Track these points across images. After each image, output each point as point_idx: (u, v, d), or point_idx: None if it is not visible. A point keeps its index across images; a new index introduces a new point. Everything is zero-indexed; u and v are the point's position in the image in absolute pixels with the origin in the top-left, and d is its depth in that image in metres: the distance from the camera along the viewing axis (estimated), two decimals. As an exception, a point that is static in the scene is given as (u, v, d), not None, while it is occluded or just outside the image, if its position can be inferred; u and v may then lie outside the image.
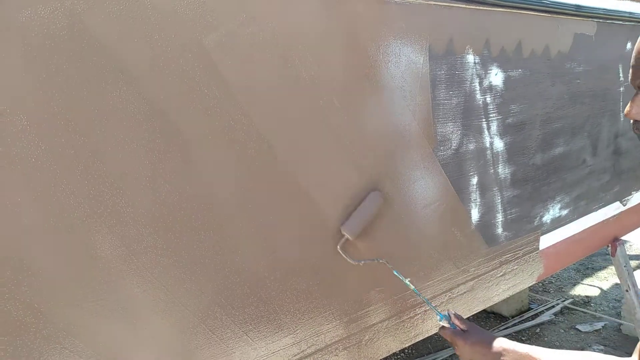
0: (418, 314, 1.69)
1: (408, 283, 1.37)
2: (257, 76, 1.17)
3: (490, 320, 4.14)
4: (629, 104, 1.01)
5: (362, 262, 1.38)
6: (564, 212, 2.22)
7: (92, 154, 0.98)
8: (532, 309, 4.22)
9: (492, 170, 1.79)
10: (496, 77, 1.72)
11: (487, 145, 1.75)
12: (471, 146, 1.69)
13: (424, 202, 1.58)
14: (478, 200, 1.77)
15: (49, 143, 0.93)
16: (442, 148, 1.58)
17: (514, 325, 3.97)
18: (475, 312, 1.97)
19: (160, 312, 1.13)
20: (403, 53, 1.41)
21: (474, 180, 1.73)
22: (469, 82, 1.62)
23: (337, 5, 1.27)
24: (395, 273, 1.37)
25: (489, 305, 2.02)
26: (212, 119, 1.11)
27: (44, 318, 0.98)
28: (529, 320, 4.01)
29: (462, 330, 1.32)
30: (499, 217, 1.88)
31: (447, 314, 1.36)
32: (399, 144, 1.48)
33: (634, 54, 1.00)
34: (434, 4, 1.46)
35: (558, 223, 2.21)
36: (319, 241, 1.36)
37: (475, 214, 1.78)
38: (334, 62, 1.29)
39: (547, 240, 2.16)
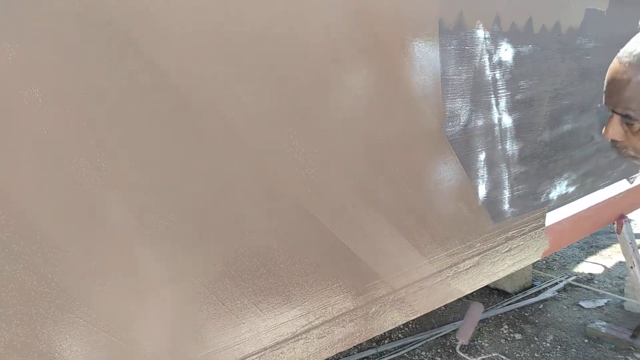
0: (423, 289, 1.71)
1: None
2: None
3: (494, 296, 4.18)
4: (606, 126, 1.07)
5: (480, 359, 1.68)
6: (571, 189, 2.23)
7: (105, 127, 0.98)
8: (536, 285, 4.24)
9: (500, 147, 1.79)
10: (506, 52, 1.70)
11: (496, 121, 1.74)
12: (479, 122, 1.68)
13: (431, 178, 1.59)
14: (485, 176, 1.77)
15: (63, 117, 0.94)
16: (450, 124, 1.58)
17: (517, 301, 4.00)
18: (479, 288, 1.99)
19: (170, 282, 1.15)
20: (412, 27, 1.39)
21: (482, 156, 1.73)
22: (478, 58, 1.61)
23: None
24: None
25: (493, 281, 2.04)
26: (221, 96, 1.12)
27: (57, 288, 1.00)
28: (533, 297, 4.04)
29: None
30: (506, 194, 1.88)
31: None
32: (407, 119, 1.47)
33: (605, 80, 1.04)
34: (445, -23, 1.44)
35: (564, 200, 2.22)
36: (327, 214, 1.37)
37: (482, 190, 1.78)
38: (341, 33, 1.28)
39: (553, 217, 2.17)
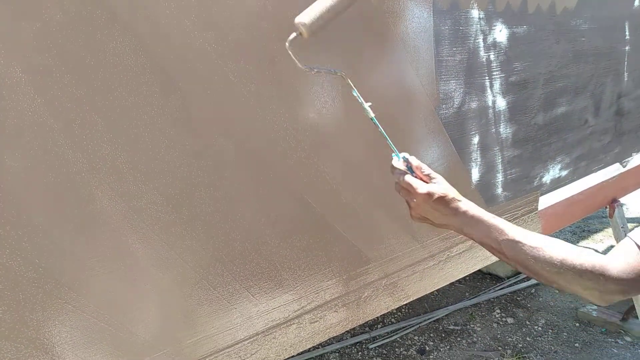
0: (416, 273, 1.71)
1: (367, 108, 1.12)
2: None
3: (487, 280, 4.20)
4: None
5: (315, 69, 1.10)
6: (564, 172, 2.22)
7: (89, 108, 0.96)
8: (528, 270, 4.27)
9: (494, 130, 1.78)
10: (500, 33, 1.68)
11: (490, 103, 1.72)
12: (473, 105, 1.66)
13: (424, 161, 1.57)
14: (479, 159, 1.76)
15: (46, 98, 0.91)
16: (444, 106, 1.56)
17: (510, 285, 4.03)
18: (472, 272, 1.99)
19: (161, 268, 1.13)
20: (407, 7, 1.37)
21: (475, 139, 1.72)
22: (473, 39, 1.58)
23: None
24: (355, 94, 1.13)
25: (487, 264, 2.03)
26: (210, 76, 1.09)
27: (45, 273, 0.98)
28: (525, 281, 4.07)
29: (423, 180, 1.08)
30: (499, 177, 1.87)
31: (405, 157, 1.10)
32: (400, 101, 1.45)
33: None
34: (439, -44, 1.41)
35: (558, 184, 2.21)
36: (320, 198, 1.36)
37: (475, 174, 1.77)
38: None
39: (546, 201, 2.16)
